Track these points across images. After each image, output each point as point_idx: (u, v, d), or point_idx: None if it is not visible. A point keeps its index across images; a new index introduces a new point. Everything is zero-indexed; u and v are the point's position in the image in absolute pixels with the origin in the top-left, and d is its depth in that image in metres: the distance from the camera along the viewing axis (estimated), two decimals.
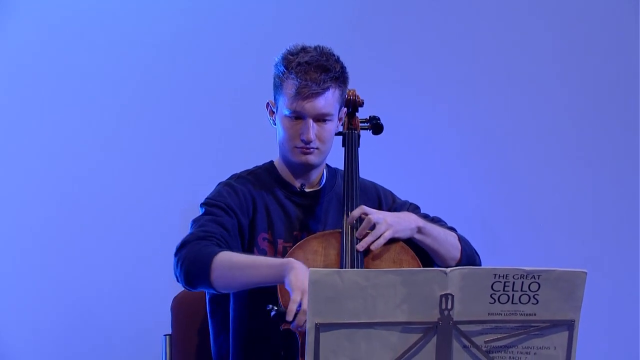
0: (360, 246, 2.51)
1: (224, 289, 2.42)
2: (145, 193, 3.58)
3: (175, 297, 2.85)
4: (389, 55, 3.75)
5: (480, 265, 2.69)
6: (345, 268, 2.46)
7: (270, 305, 2.31)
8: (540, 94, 3.80)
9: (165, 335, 2.83)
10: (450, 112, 3.76)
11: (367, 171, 2.76)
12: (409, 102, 3.72)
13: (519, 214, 3.78)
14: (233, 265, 2.38)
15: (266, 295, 2.41)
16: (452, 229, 2.73)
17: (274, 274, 2.32)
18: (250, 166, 2.74)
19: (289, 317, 2.25)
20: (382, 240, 2.51)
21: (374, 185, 2.76)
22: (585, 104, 3.82)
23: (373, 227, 2.53)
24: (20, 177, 3.56)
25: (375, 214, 2.54)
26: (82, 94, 3.61)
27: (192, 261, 2.40)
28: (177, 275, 2.44)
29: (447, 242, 2.63)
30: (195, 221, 2.55)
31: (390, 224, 2.53)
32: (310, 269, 2.01)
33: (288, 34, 3.65)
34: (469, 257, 2.67)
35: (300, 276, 2.28)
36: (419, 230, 2.59)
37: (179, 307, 2.82)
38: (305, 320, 2.17)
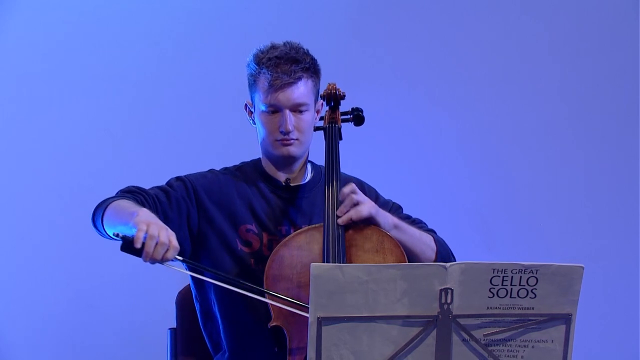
0: (341, 220, 2.53)
1: (108, 233, 2.44)
2: None
3: (180, 292, 2.87)
4: (393, 53, 3.77)
5: None
6: (327, 261, 2.48)
7: (115, 232, 2.31)
8: (538, 91, 3.82)
9: (170, 329, 2.85)
10: (451, 110, 3.78)
11: (360, 164, 2.78)
12: (410, 99, 3.74)
13: (517, 210, 3.80)
14: (116, 208, 2.42)
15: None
16: (431, 231, 2.76)
17: (126, 219, 2.33)
18: None
19: (137, 244, 2.24)
20: (357, 214, 2.53)
21: (360, 182, 2.77)
22: (584, 100, 3.83)
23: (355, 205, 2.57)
24: (29, 173, 3.58)
25: (360, 195, 2.57)
26: (88, 93, 3.63)
27: (101, 202, 2.47)
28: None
29: (421, 242, 2.65)
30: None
31: (371, 206, 2.56)
32: (312, 263, 2.04)
33: (290, 33, 3.67)
34: (444, 259, 2.69)
35: (144, 214, 2.30)
36: (395, 226, 2.61)
37: (183, 301, 2.84)
38: (157, 249, 2.23)
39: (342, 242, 2.53)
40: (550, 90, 3.82)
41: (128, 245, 2.26)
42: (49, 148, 3.61)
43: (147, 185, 2.61)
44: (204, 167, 3.58)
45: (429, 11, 3.80)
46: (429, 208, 2.81)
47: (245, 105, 2.71)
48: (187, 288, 2.86)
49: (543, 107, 3.82)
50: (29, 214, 3.59)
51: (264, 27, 3.72)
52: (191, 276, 2.65)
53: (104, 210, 2.43)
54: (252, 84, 2.64)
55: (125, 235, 2.27)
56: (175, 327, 2.85)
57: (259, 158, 2.74)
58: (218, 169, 2.74)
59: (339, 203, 2.56)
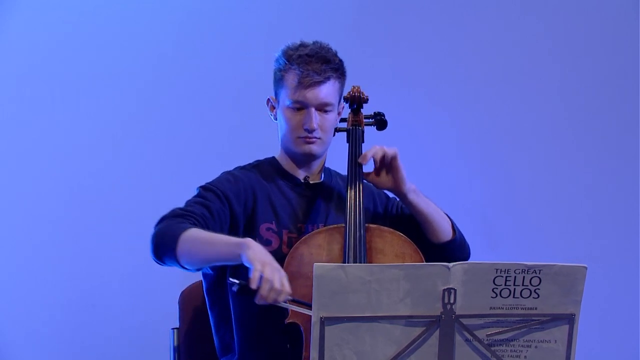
0: (362, 158, 2.59)
1: (187, 265, 2.42)
2: (153, 189, 3.60)
3: (182, 292, 2.86)
4: (394, 53, 3.77)
5: (469, 251, 2.73)
6: (348, 262, 2.48)
7: (231, 279, 2.31)
8: (539, 91, 3.82)
9: (173, 328, 2.85)
10: (453, 110, 3.78)
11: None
12: (412, 100, 3.74)
13: (519, 210, 3.80)
14: (196, 240, 2.39)
15: None
16: None
17: (230, 251, 2.33)
18: None
19: (253, 285, 2.24)
20: (388, 152, 2.58)
21: (368, 185, 2.78)
22: (585, 101, 3.84)
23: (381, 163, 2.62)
24: (29, 173, 3.58)
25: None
26: (89, 94, 3.63)
27: (162, 235, 2.42)
28: (150, 248, 2.47)
29: (438, 213, 2.66)
30: (186, 202, 2.58)
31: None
32: (315, 263, 2.04)
33: (290, 33, 3.68)
34: (461, 236, 2.71)
35: (258, 251, 2.29)
36: (414, 190, 2.63)
37: (186, 301, 2.84)
38: (270, 294, 2.23)
39: (363, 244, 2.53)
40: (550, 90, 3.83)
41: (245, 290, 2.27)
42: (49, 148, 3.61)
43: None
44: (204, 167, 3.55)
45: (430, 11, 3.81)
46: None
47: (268, 100, 2.69)
48: (190, 288, 2.86)
49: (544, 107, 3.82)
50: (30, 214, 3.59)
51: (264, 27, 3.72)
52: (211, 285, 2.65)
53: (176, 243, 2.39)
54: (279, 79, 2.62)
55: (241, 283, 2.27)
56: (177, 327, 2.85)
57: (273, 157, 2.74)
58: (231, 169, 2.71)
59: (362, 205, 2.57)
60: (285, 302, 2.29)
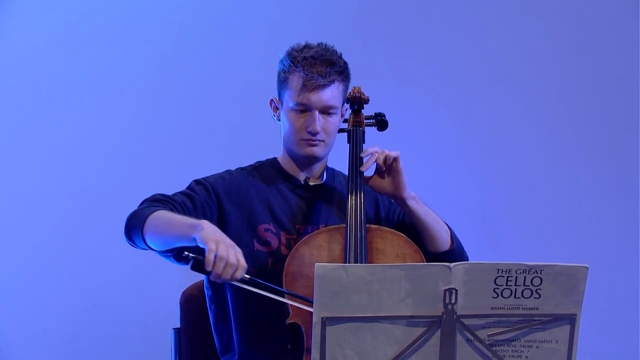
0: (364, 167, 2.59)
1: (152, 244, 2.41)
2: (154, 189, 3.58)
3: (184, 292, 2.86)
4: (395, 53, 3.78)
5: (467, 258, 2.73)
6: (349, 262, 2.49)
7: (186, 253, 2.28)
8: (539, 91, 3.83)
9: (174, 329, 2.85)
10: (453, 110, 3.79)
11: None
12: (412, 100, 3.75)
13: (520, 210, 3.80)
14: (161, 220, 2.39)
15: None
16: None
17: (185, 232, 2.31)
18: None
19: (209, 267, 2.24)
20: (391, 154, 2.58)
21: (370, 190, 2.78)
22: (585, 101, 3.84)
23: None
24: (30, 173, 3.58)
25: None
26: (90, 94, 3.63)
27: (134, 215, 2.44)
28: (123, 228, 2.48)
29: (437, 222, 2.66)
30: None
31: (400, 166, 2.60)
32: (316, 264, 2.04)
33: (290, 33, 3.68)
34: (459, 246, 2.71)
35: (211, 231, 2.28)
36: (414, 198, 2.63)
37: (187, 301, 2.84)
38: (226, 270, 2.23)
39: (364, 245, 2.54)
40: (551, 90, 3.83)
41: (199, 266, 2.26)
42: (49, 148, 3.61)
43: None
44: (205, 167, 3.57)
45: (430, 11, 3.81)
46: (432, 208, 2.80)
47: (271, 100, 2.68)
48: (191, 288, 2.86)
49: (544, 107, 3.83)
50: (30, 214, 3.59)
51: (264, 27, 3.73)
52: (207, 278, 2.64)
53: (144, 223, 2.40)
54: (283, 80, 2.61)
55: (196, 257, 2.26)
56: (179, 327, 2.85)
57: (275, 157, 2.74)
58: (233, 169, 2.72)
59: (363, 206, 2.57)
60: (244, 278, 2.28)
